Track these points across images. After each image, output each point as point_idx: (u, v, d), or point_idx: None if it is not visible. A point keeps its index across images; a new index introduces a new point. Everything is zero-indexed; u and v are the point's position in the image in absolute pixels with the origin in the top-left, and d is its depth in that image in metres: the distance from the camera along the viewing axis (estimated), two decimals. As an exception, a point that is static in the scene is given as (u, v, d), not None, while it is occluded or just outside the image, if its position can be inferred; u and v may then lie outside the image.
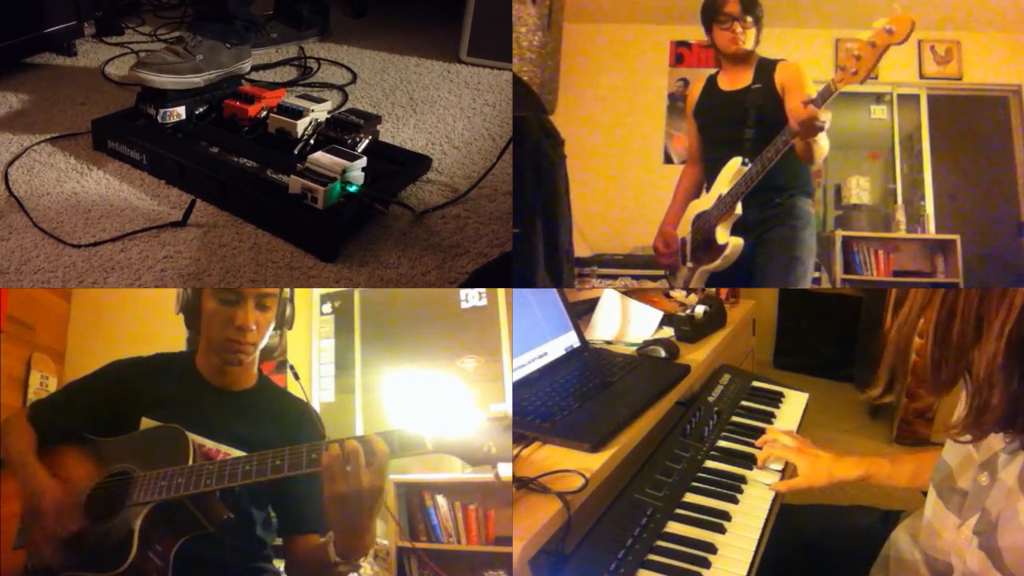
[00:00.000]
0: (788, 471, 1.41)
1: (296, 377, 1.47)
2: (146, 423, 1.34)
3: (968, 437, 0.93)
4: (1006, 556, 0.92)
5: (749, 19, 2.14)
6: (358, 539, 1.20)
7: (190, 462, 1.26)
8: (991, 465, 0.98)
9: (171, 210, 1.86)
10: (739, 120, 2.14)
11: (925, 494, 1.15)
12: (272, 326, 1.41)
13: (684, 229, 2.26)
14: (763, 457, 1.42)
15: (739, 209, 2.09)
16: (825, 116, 1.90)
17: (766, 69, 2.16)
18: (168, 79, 2.06)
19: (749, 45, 2.16)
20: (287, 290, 1.45)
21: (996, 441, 0.97)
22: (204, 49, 2.16)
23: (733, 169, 2.09)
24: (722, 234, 2.11)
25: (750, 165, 2.05)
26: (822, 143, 1.99)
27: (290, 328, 1.46)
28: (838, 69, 1.84)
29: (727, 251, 2.09)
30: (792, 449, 1.41)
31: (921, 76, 4.37)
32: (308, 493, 1.30)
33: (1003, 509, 0.94)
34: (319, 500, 1.19)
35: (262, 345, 1.41)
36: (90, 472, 1.29)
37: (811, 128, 1.91)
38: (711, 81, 2.29)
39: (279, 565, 1.45)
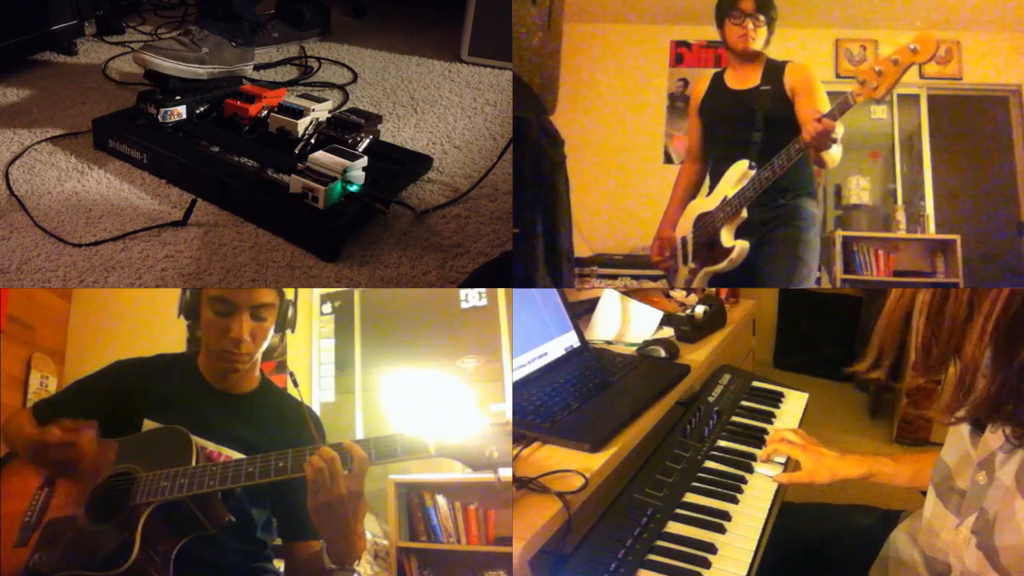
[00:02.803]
0: (791, 466, 1.42)
1: (295, 384, 1.46)
2: (148, 424, 1.34)
3: (952, 420, 0.94)
4: (1003, 556, 0.92)
5: (762, 18, 2.13)
6: (349, 545, 1.21)
7: (193, 463, 1.26)
8: (989, 464, 0.98)
9: (172, 209, 1.86)
10: (746, 121, 2.14)
11: (925, 494, 1.15)
12: (271, 333, 1.41)
13: (684, 228, 2.26)
14: (767, 452, 1.43)
15: (744, 212, 2.09)
16: (839, 129, 1.90)
17: (775, 70, 2.16)
18: (172, 65, 2.06)
19: (759, 44, 2.15)
20: (290, 293, 1.45)
21: (994, 440, 0.98)
22: (210, 43, 2.17)
23: (740, 171, 2.09)
24: (727, 237, 2.11)
25: (758, 169, 2.05)
26: (834, 152, 2.00)
27: (292, 331, 1.46)
28: (858, 83, 1.84)
29: (733, 254, 2.09)
30: (797, 445, 1.42)
31: (921, 76, 4.37)
32: (307, 499, 1.31)
33: (1000, 508, 0.94)
34: (297, 508, 1.22)
35: (259, 353, 1.42)
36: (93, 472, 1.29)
37: (825, 142, 1.92)
38: (717, 79, 2.29)
39: (279, 565, 1.45)
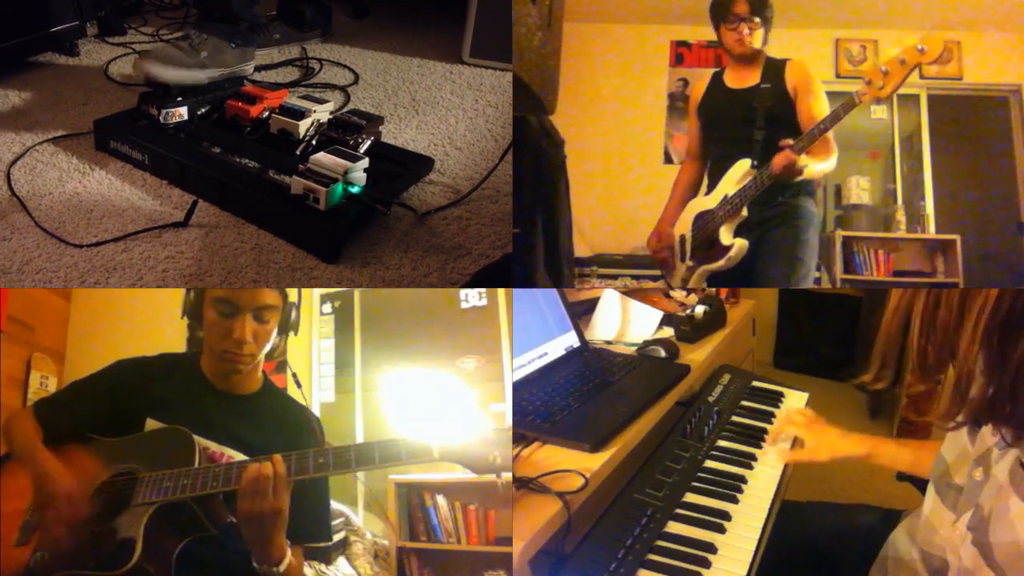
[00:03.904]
0: (796, 445, 1.45)
1: (298, 385, 1.47)
2: (151, 424, 1.35)
3: (952, 424, 0.95)
4: (997, 552, 0.93)
5: (757, 20, 2.14)
6: (265, 551, 1.22)
7: (195, 464, 1.26)
8: (985, 460, 0.99)
9: (173, 210, 1.87)
10: (747, 120, 2.14)
11: (924, 492, 1.16)
12: (273, 335, 1.41)
13: (683, 227, 2.26)
14: (774, 433, 1.47)
15: (744, 212, 2.10)
16: (803, 160, 1.94)
17: (775, 68, 2.16)
18: (172, 72, 2.06)
19: (757, 44, 2.16)
20: (293, 296, 1.45)
21: (990, 436, 0.98)
22: (209, 47, 2.17)
23: (742, 170, 2.09)
24: (726, 235, 2.11)
25: (760, 168, 2.05)
26: (822, 166, 2.02)
27: (295, 333, 1.47)
28: (864, 82, 1.85)
29: (732, 252, 2.09)
30: (801, 424, 1.45)
31: (921, 76, 4.38)
32: (302, 500, 1.32)
33: (995, 505, 0.94)
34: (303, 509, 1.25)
35: (262, 355, 1.42)
36: (95, 471, 1.29)
37: (793, 172, 1.97)
38: (716, 78, 2.29)
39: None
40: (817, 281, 4.10)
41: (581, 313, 2.02)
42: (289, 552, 1.25)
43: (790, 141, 1.96)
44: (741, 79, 2.21)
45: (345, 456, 1.23)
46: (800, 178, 2.00)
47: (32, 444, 1.31)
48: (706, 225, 2.17)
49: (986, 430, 0.99)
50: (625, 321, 2.03)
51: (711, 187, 2.23)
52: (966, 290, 0.88)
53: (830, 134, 2.01)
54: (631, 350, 1.84)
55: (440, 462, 1.23)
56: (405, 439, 1.23)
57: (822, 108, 2.05)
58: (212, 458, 1.32)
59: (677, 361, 1.75)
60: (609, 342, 1.96)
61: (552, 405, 1.38)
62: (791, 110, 2.12)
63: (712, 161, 2.29)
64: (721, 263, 2.12)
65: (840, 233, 4.30)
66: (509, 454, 1.20)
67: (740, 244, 2.09)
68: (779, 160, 1.96)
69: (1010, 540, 0.91)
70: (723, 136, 2.25)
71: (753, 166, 2.08)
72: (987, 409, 0.89)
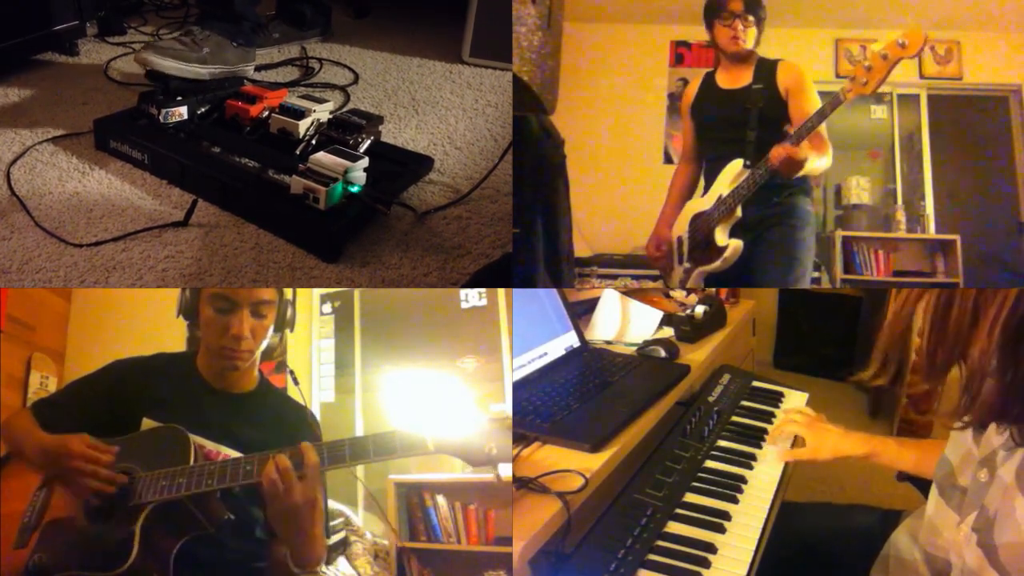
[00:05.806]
0: (797, 444, 1.46)
1: (296, 383, 1.47)
2: (147, 424, 1.35)
3: (960, 424, 0.95)
4: (1002, 553, 0.93)
5: (751, 18, 2.14)
6: (309, 549, 1.22)
7: (191, 463, 1.26)
8: (990, 462, 0.99)
9: (173, 210, 1.86)
10: (739, 120, 2.14)
11: (924, 492, 1.15)
12: (270, 331, 1.41)
13: (681, 228, 2.26)
14: (776, 431, 1.47)
15: (739, 212, 2.09)
16: (804, 151, 1.92)
17: (767, 69, 2.16)
18: (174, 64, 2.06)
19: (750, 44, 2.16)
20: (289, 292, 1.45)
21: (996, 438, 0.98)
22: (211, 44, 2.17)
23: (735, 171, 2.09)
24: (721, 236, 2.11)
25: (753, 168, 2.05)
26: (819, 164, 2.01)
27: (291, 330, 1.47)
28: (848, 79, 1.85)
29: (727, 253, 2.09)
30: (803, 423, 1.45)
31: (921, 76, 4.38)
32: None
33: (1001, 506, 0.94)
34: None
35: (260, 351, 1.42)
36: (92, 472, 1.29)
37: (793, 166, 1.94)
38: (708, 79, 2.29)
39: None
40: (817, 281, 4.10)
41: (581, 313, 2.02)
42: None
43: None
44: (733, 79, 2.22)
45: (339, 450, 1.23)
46: (800, 173, 1.98)
47: (31, 430, 1.32)
48: (702, 226, 2.17)
49: (991, 432, 0.99)
50: (625, 321, 2.03)
51: (707, 188, 2.23)
52: (980, 290, 0.87)
53: (823, 130, 2.00)
54: (631, 350, 1.84)
55: (437, 455, 1.22)
56: (401, 431, 1.22)
57: (815, 108, 2.05)
58: (208, 456, 1.32)
59: (677, 361, 1.75)
60: (609, 342, 1.96)
61: (552, 405, 1.38)
62: (783, 110, 2.12)
63: (707, 162, 2.29)
64: (717, 264, 2.12)
65: (840, 233, 4.30)
66: (505, 445, 1.20)
67: (735, 245, 2.09)
68: (777, 152, 1.93)
69: (1015, 541, 0.91)
70: (717, 137, 2.25)
71: (746, 166, 2.08)
72: (998, 409, 0.89)
